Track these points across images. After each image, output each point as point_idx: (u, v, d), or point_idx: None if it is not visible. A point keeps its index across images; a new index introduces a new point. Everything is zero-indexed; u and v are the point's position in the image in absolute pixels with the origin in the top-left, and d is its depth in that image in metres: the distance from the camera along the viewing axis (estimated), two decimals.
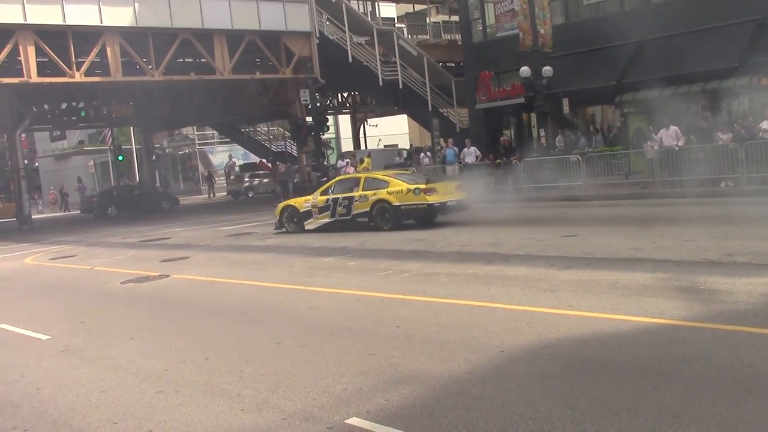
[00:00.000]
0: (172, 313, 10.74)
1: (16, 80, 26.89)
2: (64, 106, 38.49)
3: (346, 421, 5.70)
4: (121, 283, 14.12)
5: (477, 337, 7.64)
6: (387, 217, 18.22)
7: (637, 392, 5.66)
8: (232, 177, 45.81)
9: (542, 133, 26.40)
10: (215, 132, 53.50)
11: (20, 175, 30.95)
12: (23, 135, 39.62)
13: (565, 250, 12.47)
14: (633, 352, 6.66)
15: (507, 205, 20.99)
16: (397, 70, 35.99)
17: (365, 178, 19.52)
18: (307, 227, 19.53)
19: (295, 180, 33.42)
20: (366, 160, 31.34)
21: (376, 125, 55.83)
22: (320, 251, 15.64)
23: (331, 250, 15.54)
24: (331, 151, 53.26)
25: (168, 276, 14.35)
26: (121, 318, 10.82)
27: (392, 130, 58.24)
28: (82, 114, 38.99)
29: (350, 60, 34.58)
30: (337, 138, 60.59)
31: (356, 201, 18.70)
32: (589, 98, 29.46)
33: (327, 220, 19.27)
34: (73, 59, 27.26)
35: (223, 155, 54.98)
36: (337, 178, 21.37)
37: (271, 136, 50.18)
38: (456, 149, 27.63)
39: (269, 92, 35.30)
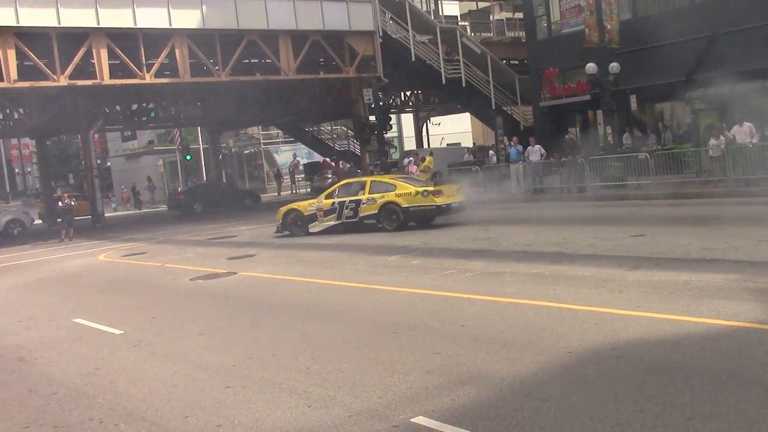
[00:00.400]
0: (239, 310, 10.93)
1: (89, 82, 27.74)
2: (134, 107, 39.53)
3: (412, 420, 5.71)
4: (190, 280, 14.44)
5: (543, 338, 7.56)
6: (394, 218, 19.00)
7: (710, 397, 5.50)
8: (316, 175, 46.04)
9: (609, 131, 25.90)
10: (280, 131, 54.17)
11: (93, 174, 31.91)
12: (96, 135, 40.85)
13: (633, 250, 12.22)
14: (706, 356, 6.48)
15: (571, 204, 20.69)
16: (460, 68, 35.80)
17: (371, 181, 20.28)
18: (311, 230, 19.98)
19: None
20: (428, 158, 31.22)
21: (439, 124, 55.68)
22: (384, 250, 15.69)
23: (395, 249, 15.57)
24: (394, 150, 53.39)
25: (235, 273, 14.60)
26: (190, 314, 11.07)
27: (455, 128, 58.00)
28: (152, 115, 39.97)
29: (413, 59, 34.57)
30: (400, 137, 60.65)
31: (364, 204, 19.35)
32: (658, 95, 28.78)
33: (332, 222, 19.79)
34: (144, 61, 27.98)
35: (288, 154, 55.65)
36: (342, 182, 21.81)
37: (334, 135, 50.55)
38: (520, 147, 27.35)
39: (333, 91, 35.56)
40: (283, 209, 20.84)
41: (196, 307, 11.59)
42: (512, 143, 28.38)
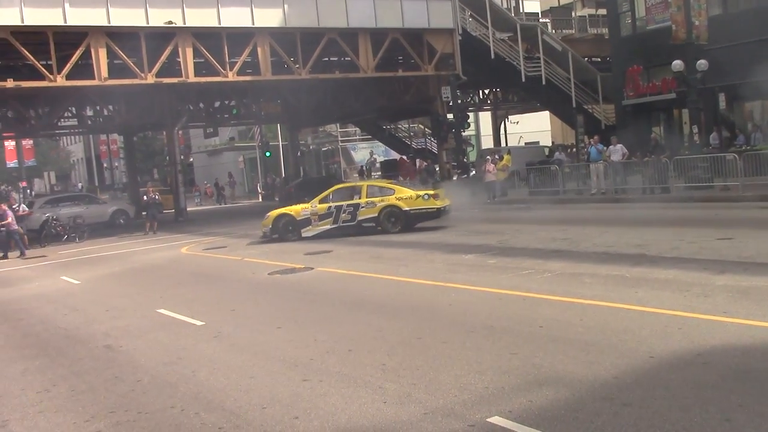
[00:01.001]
0: (316, 305, 11.05)
1: (175, 80, 28.55)
2: (217, 104, 40.50)
3: (488, 420, 5.66)
4: (268, 274, 14.69)
5: (624, 341, 7.37)
6: (394, 221, 19.60)
7: None
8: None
9: (695, 130, 25.06)
10: (357, 129, 54.54)
11: (177, 170, 32.83)
12: (180, 132, 42.00)
13: (720, 254, 11.79)
14: None
15: (654, 205, 20.14)
16: (540, 66, 35.31)
17: (367, 185, 20.82)
18: (304, 235, 20.06)
19: (436, 178, 33.38)
20: (506, 157, 30.92)
21: (517, 122, 55.00)
22: (460, 248, 15.60)
23: (471, 248, 15.46)
24: (471, 149, 53.02)
25: (312, 269, 14.78)
26: (268, 308, 11.26)
27: (534, 127, 57.21)
28: (234, 112, 40.88)
29: (492, 56, 34.27)
30: (478, 135, 60.23)
31: (363, 207, 19.77)
32: (748, 93, 27.67)
33: (328, 226, 20.02)
34: (227, 59, 28.62)
35: (365, 152, 55.96)
36: (335, 187, 22.02)
37: (411, 133, 50.54)
38: (601, 147, 26.76)
39: (411, 89, 35.59)
40: (273, 214, 20.80)
41: (273, 301, 11.77)
42: (593, 142, 27.81)
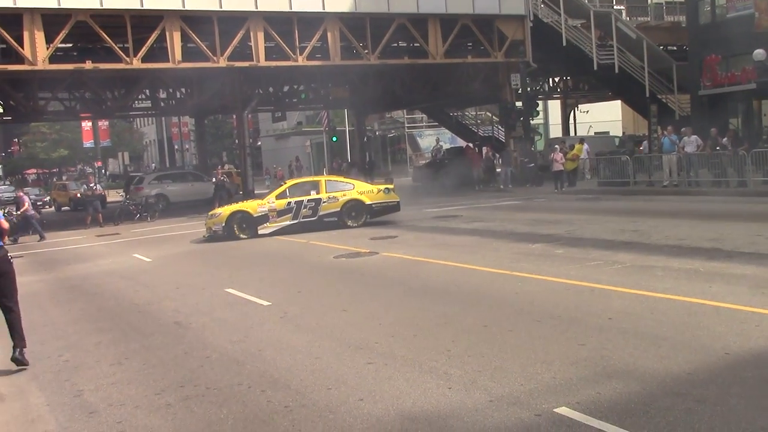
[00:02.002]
0: (381, 289, 11.08)
1: (246, 64, 28.89)
2: (286, 88, 40.84)
3: (555, 410, 5.57)
4: (333, 257, 14.79)
5: (698, 337, 7.16)
6: (354, 215, 19.97)
7: None
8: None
9: None
10: (424, 115, 54.31)
11: (246, 153, 33.27)
12: (249, 115, 42.56)
13: None
14: None
15: (730, 199, 19.49)
16: (613, 54, 34.46)
17: (326, 181, 20.95)
18: (261, 232, 19.43)
19: (509, 167, 32.73)
20: (577, 146, 30.33)
21: (587, 111, 53.90)
22: (527, 237, 15.42)
23: (538, 237, 15.26)
24: (539, 137, 52.28)
25: (377, 253, 14.81)
26: (333, 290, 11.33)
27: (604, 116, 56.00)
28: (302, 96, 41.15)
29: (564, 43, 33.59)
30: (546, 124, 59.34)
31: (325, 202, 19.83)
32: None
33: (287, 222, 19.64)
34: (297, 44, 28.81)
35: (431, 139, 55.71)
36: (291, 182, 21.66)
37: (478, 121, 50.09)
38: (674, 138, 26.00)
39: (480, 76, 35.20)
40: (227, 211, 19.88)
41: (339, 284, 11.85)
42: (666, 133, 27.05)
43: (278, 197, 19.89)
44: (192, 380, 7.19)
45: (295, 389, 6.65)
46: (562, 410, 5.56)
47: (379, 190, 20.54)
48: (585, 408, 5.55)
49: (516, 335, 7.78)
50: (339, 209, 19.84)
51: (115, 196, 42.20)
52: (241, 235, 19.25)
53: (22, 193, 26.36)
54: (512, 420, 5.49)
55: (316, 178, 22.40)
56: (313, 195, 19.92)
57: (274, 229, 19.53)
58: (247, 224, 19.45)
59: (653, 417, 5.29)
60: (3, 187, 52.12)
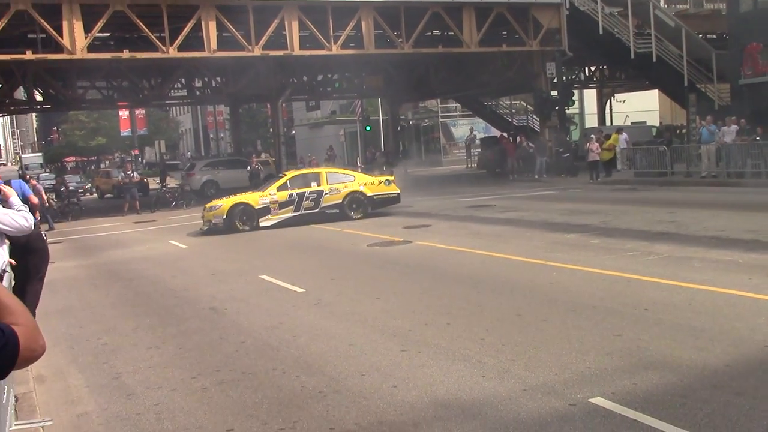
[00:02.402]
0: (415, 278, 11.08)
1: (280, 53, 28.99)
2: (320, 77, 40.92)
3: (590, 400, 5.54)
4: (367, 245, 14.83)
5: (737, 329, 7.05)
6: (355, 206, 19.81)
7: None
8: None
9: None
10: (458, 105, 54.04)
11: (280, 141, 33.49)
12: (283, 104, 42.74)
13: None
14: None
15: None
16: (651, 43, 33.94)
17: (326, 172, 20.68)
18: (262, 224, 18.98)
19: (544, 157, 32.31)
20: (613, 136, 29.95)
21: (624, 101, 53.18)
22: (561, 227, 15.29)
23: (573, 227, 15.13)
24: (574, 127, 51.69)
25: (411, 242, 14.82)
26: (367, 278, 11.37)
27: (641, 106, 55.15)
28: (336, 85, 41.21)
29: (601, 32, 33.16)
30: (581, 113, 58.57)
31: (327, 194, 19.58)
32: None
33: (289, 214, 19.31)
34: (331, 33, 28.83)
35: (465, 128, 55.43)
36: (291, 174, 20.91)
37: (513, 110, 49.71)
38: (713, 128, 25.56)
39: (515, 65, 34.90)
40: (228, 203, 19.22)
41: (373, 272, 11.88)
42: (705, 123, 26.60)
43: (279, 189, 19.51)
44: (227, 365, 7.28)
45: (329, 375, 6.69)
46: (597, 400, 5.52)
47: (380, 182, 20.52)
48: (620, 398, 5.51)
49: (550, 325, 7.74)
50: (341, 201, 19.63)
51: (152, 184, 42.76)
52: (243, 228, 18.80)
53: (35, 181, 26.18)
54: (546, 409, 5.47)
55: (316, 170, 21.93)
56: (315, 187, 19.66)
57: (276, 221, 19.16)
58: (249, 216, 19.02)
59: (690, 409, 5.23)
60: (44, 174, 52.92)
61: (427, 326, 8.07)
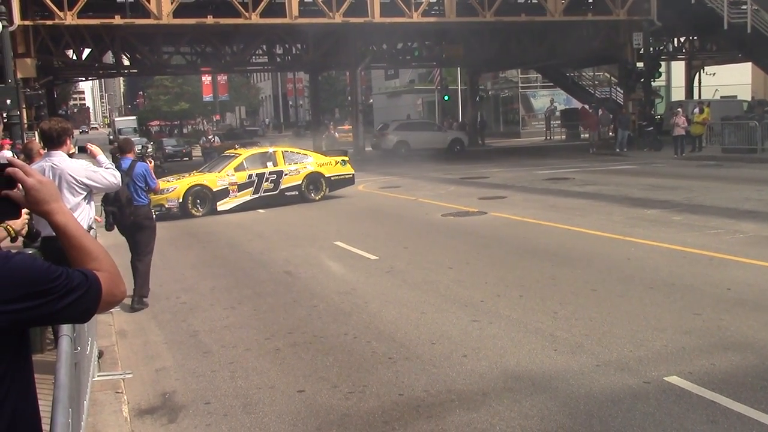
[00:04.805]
0: (488, 249, 11.00)
1: (361, 20, 28.98)
2: (399, 46, 40.72)
3: (666, 379, 5.41)
4: (441, 215, 14.78)
5: None
6: (312, 188, 18.73)
7: None
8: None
9: None
10: (538, 75, 52.99)
11: (358, 110, 33.62)
12: (362, 72, 42.74)
13: None
14: None
15: None
16: (746, 12, 32.39)
17: (283, 151, 19.26)
18: (220, 208, 17.37)
19: (627, 131, 31.35)
20: (706, 110, 28.80)
21: (714, 74, 51.09)
22: (642, 203, 14.89)
23: (655, 203, 14.71)
24: (660, 100, 50.04)
25: (485, 213, 14.69)
26: (440, 248, 11.34)
27: (732, 80, 52.84)
28: (416, 54, 40.91)
29: (693, 0, 31.85)
30: (668, 86, 56.58)
31: (286, 175, 18.38)
32: None
33: (248, 197, 17.81)
34: (412, 1, 28.61)
35: (545, 99, 54.33)
36: (246, 153, 19.14)
37: (596, 82, 48.43)
38: None
39: (600, 35, 33.94)
40: (183, 185, 17.26)
41: (446, 242, 11.84)
42: None
43: (237, 169, 17.95)
44: (300, 328, 7.40)
45: (399, 342, 6.73)
46: (673, 379, 5.38)
47: (336, 162, 19.31)
48: (697, 378, 5.36)
49: (626, 301, 7.57)
50: (300, 182, 18.50)
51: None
52: (197, 213, 17.04)
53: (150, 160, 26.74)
54: (619, 386, 5.37)
55: (272, 149, 19.75)
56: (273, 167, 18.32)
57: (234, 204, 17.61)
58: (206, 200, 17.27)
59: None
60: (136, 139, 53.24)
61: (499, 297, 8.01)
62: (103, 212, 8.61)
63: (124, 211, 8.43)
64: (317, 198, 18.73)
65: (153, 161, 10.20)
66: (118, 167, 7.96)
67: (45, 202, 1.95)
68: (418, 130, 36.97)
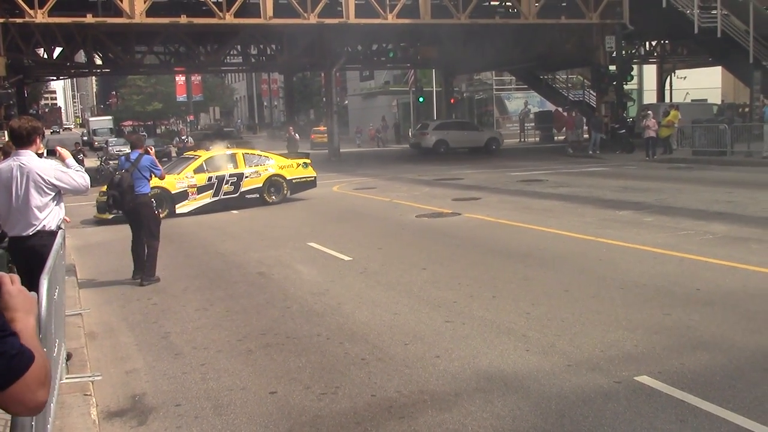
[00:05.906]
0: (462, 250, 11.03)
1: (336, 21, 28.94)
2: (374, 47, 40.73)
3: (636, 378, 5.45)
4: (415, 216, 14.79)
5: None
6: (273, 191, 18.46)
7: None
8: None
9: None
10: (513, 78, 53.32)
11: (333, 111, 33.53)
12: (338, 74, 42.70)
13: None
14: None
15: None
16: (716, 17, 32.84)
17: (243, 154, 18.98)
18: (179, 211, 16.94)
19: (599, 133, 31.69)
20: (673, 112, 29.19)
21: (685, 77, 51.72)
22: (614, 204, 15.02)
23: (626, 204, 14.85)
24: (632, 103, 50.54)
25: (459, 214, 14.73)
26: (414, 249, 11.35)
27: (702, 83, 53.58)
28: (391, 55, 40.94)
29: (664, 5, 32.21)
30: (640, 89, 57.20)
31: (247, 177, 18.03)
32: None
33: (208, 200, 17.42)
34: (388, 2, 28.64)
35: (519, 102, 54.70)
36: (206, 155, 18.46)
37: (569, 84, 48.81)
38: None
39: (573, 38, 34.23)
40: None
41: (420, 243, 11.86)
42: None
43: (196, 171, 17.54)
44: (273, 329, 7.36)
45: (372, 343, 6.71)
46: (643, 379, 5.43)
47: (298, 165, 19.09)
48: (667, 378, 5.41)
49: (598, 301, 7.62)
50: (261, 185, 18.15)
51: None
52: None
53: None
54: (591, 386, 5.40)
55: (232, 151, 19.26)
56: (233, 169, 17.94)
57: (194, 207, 17.22)
58: (164, 202, 16.42)
59: (739, 391, 5.11)
60: (113, 140, 48.20)
61: (473, 298, 8.03)
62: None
63: (125, 196, 9.72)
64: (277, 201, 18.34)
65: (153, 148, 11.24)
66: (128, 158, 10.24)
67: (14, 309, 1.88)
68: (456, 129, 38.01)
